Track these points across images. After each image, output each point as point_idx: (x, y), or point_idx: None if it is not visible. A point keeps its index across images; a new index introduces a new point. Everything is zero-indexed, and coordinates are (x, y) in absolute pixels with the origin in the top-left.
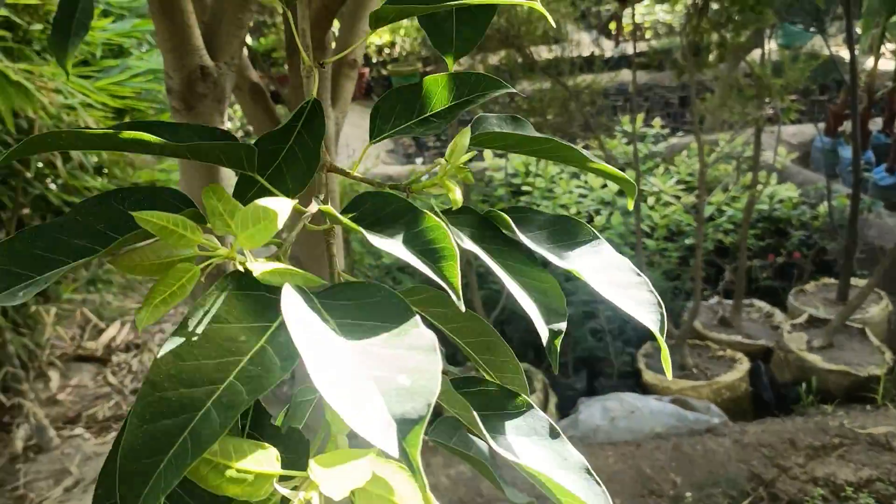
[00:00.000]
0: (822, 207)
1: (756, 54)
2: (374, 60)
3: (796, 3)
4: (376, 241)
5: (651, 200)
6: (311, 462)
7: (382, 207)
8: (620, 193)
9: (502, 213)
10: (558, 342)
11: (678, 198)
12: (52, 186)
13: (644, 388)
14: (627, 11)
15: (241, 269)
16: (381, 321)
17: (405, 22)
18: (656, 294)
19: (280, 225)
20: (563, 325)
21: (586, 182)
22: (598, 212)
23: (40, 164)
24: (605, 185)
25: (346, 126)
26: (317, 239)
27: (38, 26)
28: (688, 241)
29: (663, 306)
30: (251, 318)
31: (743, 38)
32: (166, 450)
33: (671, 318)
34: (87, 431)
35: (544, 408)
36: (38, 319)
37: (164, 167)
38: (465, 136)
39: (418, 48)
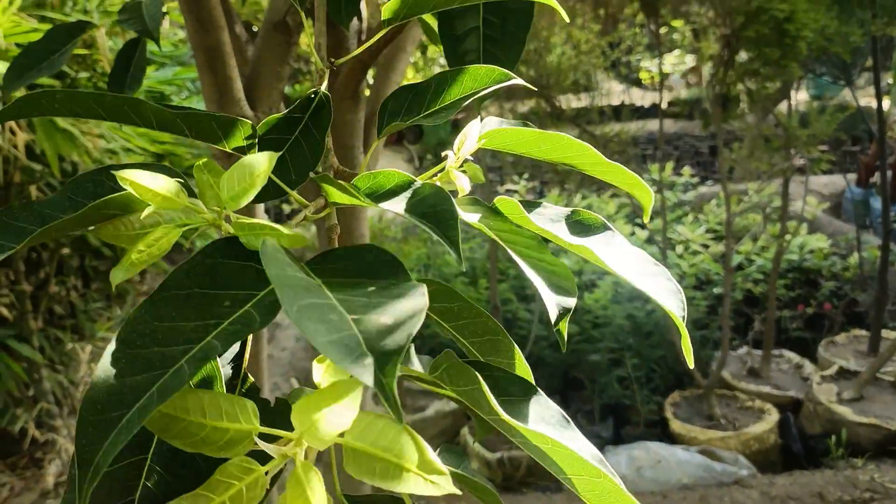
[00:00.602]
0: (853, 258)
1: (784, 105)
2: None
3: (823, 55)
4: (386, 205)
5: (679, 249)
6: (294, 407)
7: (384, 184)
8: (649, 240)
9: (511, 199)
10: (566, 322)
11: (706, 246)
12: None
13: (671, 438)
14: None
15: (227, 235)
16: (371, 277)
17: (436, 68)
18: (675, 282)
19: (264, 180)
20: (571, 302)
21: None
22: None
23: None
24: (632, 233)
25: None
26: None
27: (84, 74)
28: (716, 290)
29: (683, 294)
30: (237, 286)
31: (770, 90)
32: (132, 403)
33: (699, 368)
34: None
35: None
36: (73, 357)
37: None
38: (473, 127)
39: None
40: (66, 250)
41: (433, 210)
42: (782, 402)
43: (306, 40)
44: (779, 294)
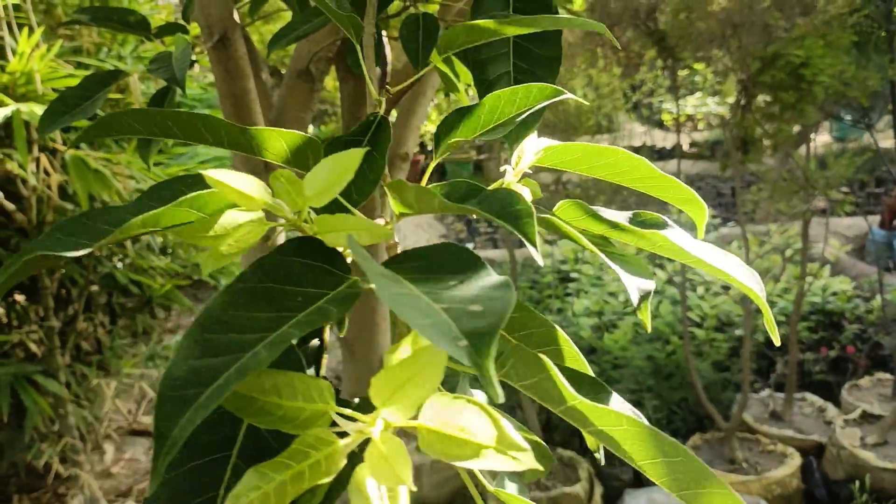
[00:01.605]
0: (876, 301)
1: (804, 147)
2: (429, 148)
3: (842, 99)
4: (459, 206)
5: (700, 290)
6: (373, 381)
7: (454, 191)
8: (669, 282)
9: (574, 202)
10: (647, 303)
11: (727, 288)
12: (119, 265)
13: None
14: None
15: (306, 234)
16: (451, 272)
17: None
18: (749, 267)
19: (351, 175)
20: (650, 285)
21: None
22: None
23: (111, 246)
24: (654, 274)
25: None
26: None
27: None
28: (738, 332)
29: (758, 275)
30: (310, 284)
31: (788, 134)
32: (209, 382)
33: (720, 410)
34: None
35: (589, 498)
36: (98, 393)
37: None
38: (530, 142)
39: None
40: (94, 287)
41: (508, 209)
42: (805, 446)
43: (331, 83)
44: (801, 336)
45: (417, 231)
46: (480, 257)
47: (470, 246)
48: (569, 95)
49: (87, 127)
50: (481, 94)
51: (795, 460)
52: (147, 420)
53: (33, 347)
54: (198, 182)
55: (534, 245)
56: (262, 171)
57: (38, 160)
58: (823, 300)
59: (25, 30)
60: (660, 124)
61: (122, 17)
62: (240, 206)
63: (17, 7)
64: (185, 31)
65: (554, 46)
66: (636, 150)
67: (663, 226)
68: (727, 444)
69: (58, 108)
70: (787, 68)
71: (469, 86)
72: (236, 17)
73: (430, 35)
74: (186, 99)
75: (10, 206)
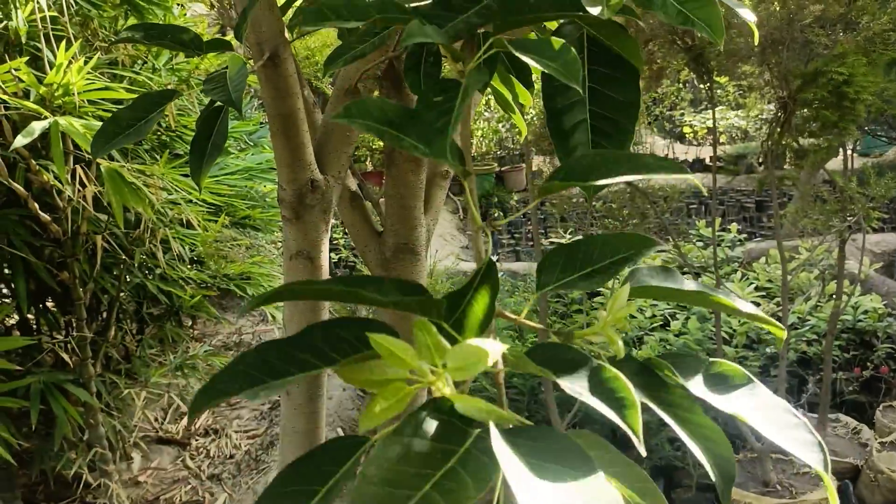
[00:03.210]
0: None
1: (836, 162)
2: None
3: (879, 116)
4: (567, 386)
5: None
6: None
7: (560, 355)
8: None
9: (662, 360)
10: (731, 489)
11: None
12: (150, 276)
13: None
14: (699, 117)
15: (441, 395)
16: (568, 467)
17: (482, 124)
18: (816, 434)
19: (490, 362)
20: (734, 473)
21: None
22: (673, 315)
23: (143, 257)
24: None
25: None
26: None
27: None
28: (768, 350)
29: (825, 446)
30: (443, 440)
31: (825, 152)
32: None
33: (753, 430)
34: None
35: None
36: (127, 402)
37: (255, 261)
38: (624, 291)
39: (494, 148)
40: (123, 296)
41: (613, 396)
42: (840, 468)
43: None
44: (833, 355)
45: (439, 241)
46: (592, 459)
47: (494, 258)
48: (662, 246)
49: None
50: (558, 147)
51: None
52: (173, 429)
53: (65, 357)
54: (347, 325)
55: (637, 437)
56: (309, 189)
57: (73, 171)
58: (855, 318)
59: (63, 43)
60: (681, 138)
61: (175, 36)
62: (389, 363)
63: (54, 20)
64: (230, 48)
65: (632, 90)
66: None
67: (743, 381)
68: (760, 465)
69: (111, 130)
70: (829, 86)
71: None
72: (286, 34)
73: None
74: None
75: (46, 217)
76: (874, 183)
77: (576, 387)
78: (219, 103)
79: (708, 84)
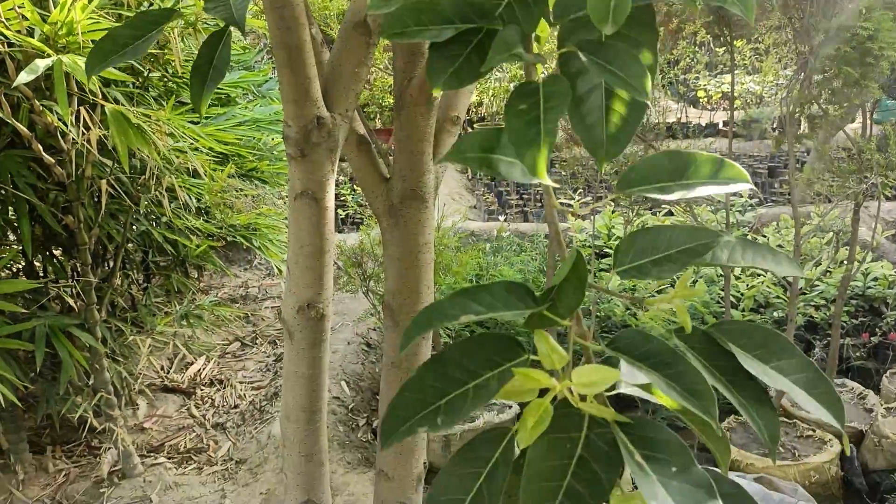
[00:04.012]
0: None
1: (852, 127)
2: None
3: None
4: (630, 376)
5: (738, 270)
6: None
7: (641, 345)
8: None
9: (721, 336)
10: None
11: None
12: (155, 225)
13: None
14: (715, 82)
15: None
16: (671, 456)
17: (493, 83)
18: (837, 393)
19: (604, 386)
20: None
21: None
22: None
23: (149, 204)
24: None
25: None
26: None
27: (156, 74)
28: (776, 315)
29: (843, 404)
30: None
31: (843, 112)
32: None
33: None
34: (168, 461)
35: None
36: (133, 349)
37: (261, 211)
38: (688, 273)
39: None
40: (130, 245)
41: (694, 387)
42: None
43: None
44: (842, 321)
45: (446, 199)
46: (689, 450)
47: (501, 218)
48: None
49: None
50: (572, 115)
51: (834, 447)
52: (179, 377)
53: (70, 301)
54: (487, 343)
55: (718, 428)
56: (315, 126)
57: (77, 113)
58: (865, 285)
59: None
60: (694, 102)
61: None
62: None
63: None
64: None
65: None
66: (668, 127)
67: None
68: None
69: (107, 48)
70: (853, 41)
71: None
72: None
73: None
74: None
75: (49, 159)
76: (894, 145)
77: (644, 377)
78: (222, 26)
79: (727, 46)
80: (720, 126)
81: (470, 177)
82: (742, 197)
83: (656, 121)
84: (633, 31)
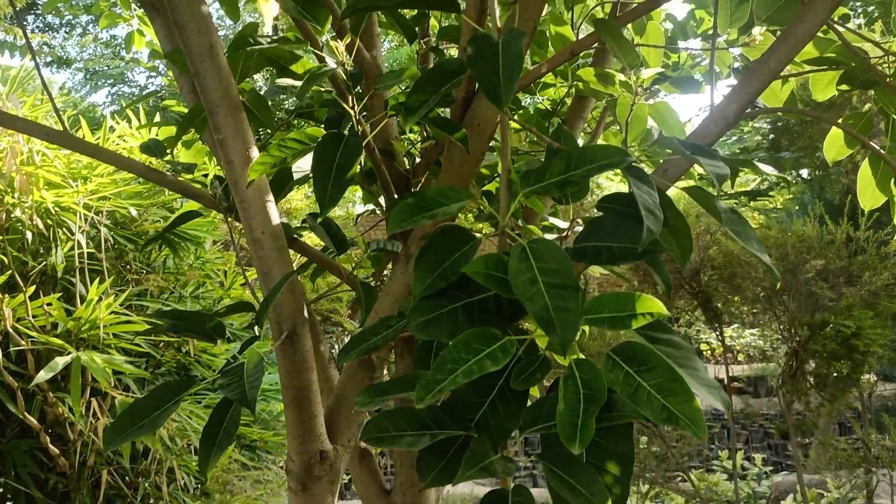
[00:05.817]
0: None
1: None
2: None
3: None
4: None
5: None
6: None
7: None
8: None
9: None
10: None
11: None
12: None
13: None
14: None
15: None
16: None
17: None
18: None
19: None
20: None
21: None
22: None
23: (147, 486)
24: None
25: None
26: None
27: (169, 353)
28: None
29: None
30: None
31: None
32: None
33: None
34: None
35: None
36: None
37: (259, 494)
38: None
39: None
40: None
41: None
42: None
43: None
44: None
45: None
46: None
47: None
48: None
49: None
50: None
51: None
52: None
53: None
54: None
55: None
56: (317, 461)
57: (88, 403)
58: None
59: (97, 280)
60: (698, 354)
61: (199, 326)
62: None
63: (90, 254)
64: (252, 309)
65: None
66: None
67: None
68: None
69: (125, 423)
70: (837, 338)
71: None
72: (305, 312)
73: None
74: (237, 331)
75: (55, 450)
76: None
77: None
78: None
79: (718, 328)
80: (723, 381)
81: None
82: (755, 465)
83: None
84: (610, 442)
